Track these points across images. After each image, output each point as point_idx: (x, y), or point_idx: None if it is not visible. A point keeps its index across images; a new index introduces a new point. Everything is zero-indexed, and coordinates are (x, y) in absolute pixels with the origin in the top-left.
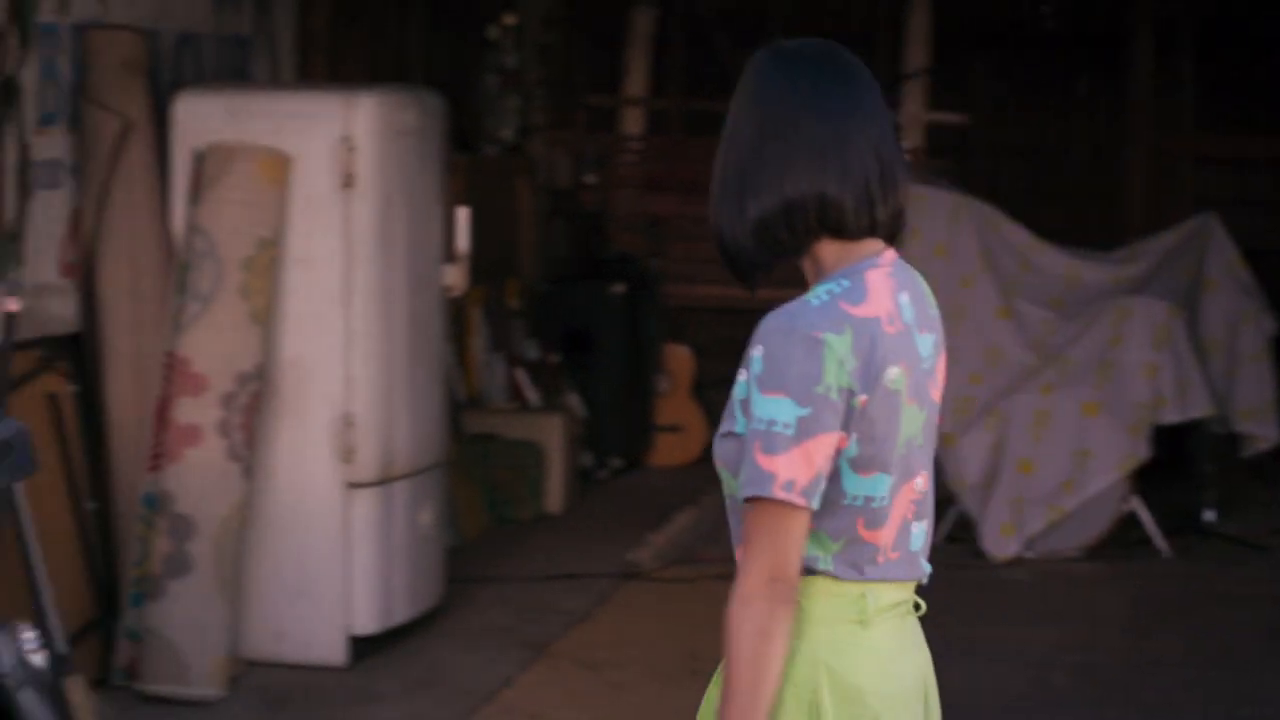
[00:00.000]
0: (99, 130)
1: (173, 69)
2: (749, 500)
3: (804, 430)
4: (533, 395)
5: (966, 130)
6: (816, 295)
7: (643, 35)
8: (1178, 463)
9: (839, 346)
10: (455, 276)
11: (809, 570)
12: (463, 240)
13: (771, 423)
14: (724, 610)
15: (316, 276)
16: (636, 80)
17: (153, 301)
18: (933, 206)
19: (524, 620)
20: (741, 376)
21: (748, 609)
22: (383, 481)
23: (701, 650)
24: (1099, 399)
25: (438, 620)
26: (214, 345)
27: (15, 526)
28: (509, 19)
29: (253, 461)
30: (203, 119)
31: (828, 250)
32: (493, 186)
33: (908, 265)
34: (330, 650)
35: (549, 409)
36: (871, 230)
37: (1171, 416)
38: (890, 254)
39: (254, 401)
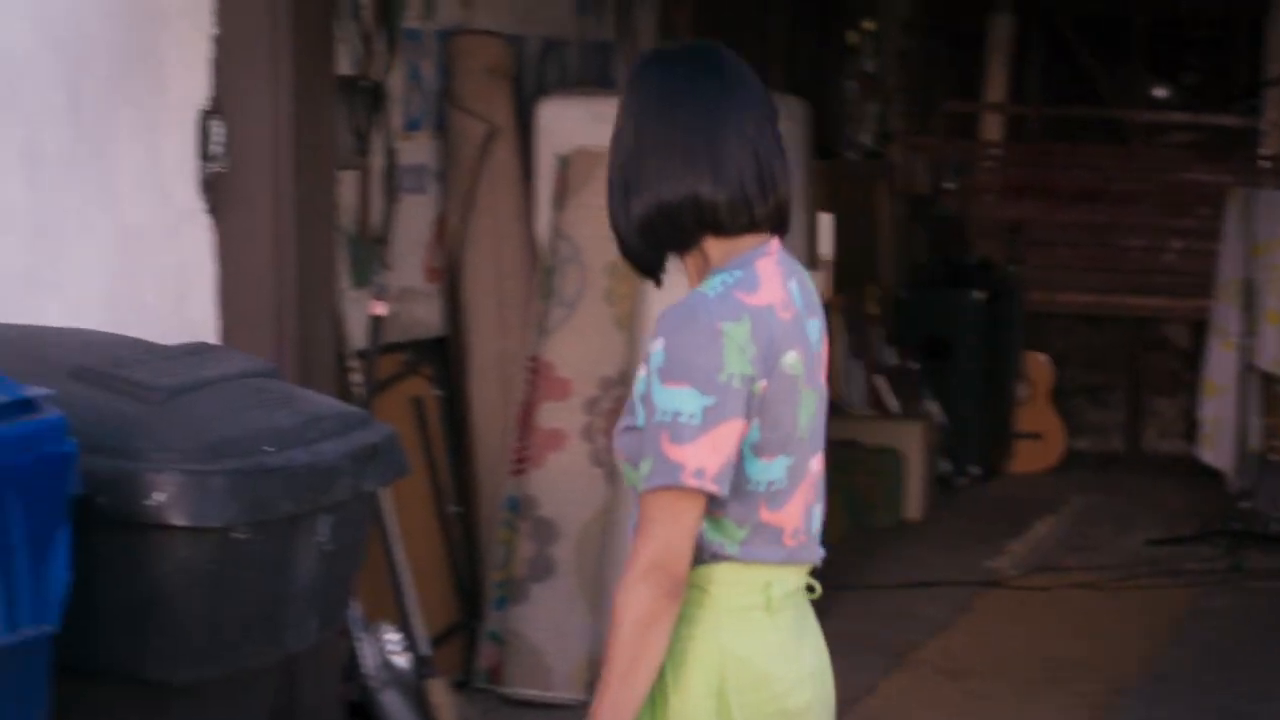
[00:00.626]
0: (464, 135)
1: (536, 74)
2: (651, 490)
3: (710, 419)
4: (892, 402)
5: None
6: (711, 287)
7: (1002, 41)
8: None
9: (738, 335)
10: (819, 282)
11: (714, 557)
12: (826, 246)
13: (677, 414)
14: (1084, 620)
15: (681, 282)
16: (996, 86)
17: (517, 306)
18: None
19: (885, 627)
20: (641, 371)
21: (629, 596)
22: None
23: (1062, 659)
24: None
25: None
26: (578, 350)
27: (380, 530)
28: (868, 24)
29: (616, 467)
30: (566, 124)
31: (713, 246)
32: (852, 192)
33: (790, 255)
34: None
35: (908, 416)
36: (752, 226)
37: None
38: (775, 243)
39: (618, 407)
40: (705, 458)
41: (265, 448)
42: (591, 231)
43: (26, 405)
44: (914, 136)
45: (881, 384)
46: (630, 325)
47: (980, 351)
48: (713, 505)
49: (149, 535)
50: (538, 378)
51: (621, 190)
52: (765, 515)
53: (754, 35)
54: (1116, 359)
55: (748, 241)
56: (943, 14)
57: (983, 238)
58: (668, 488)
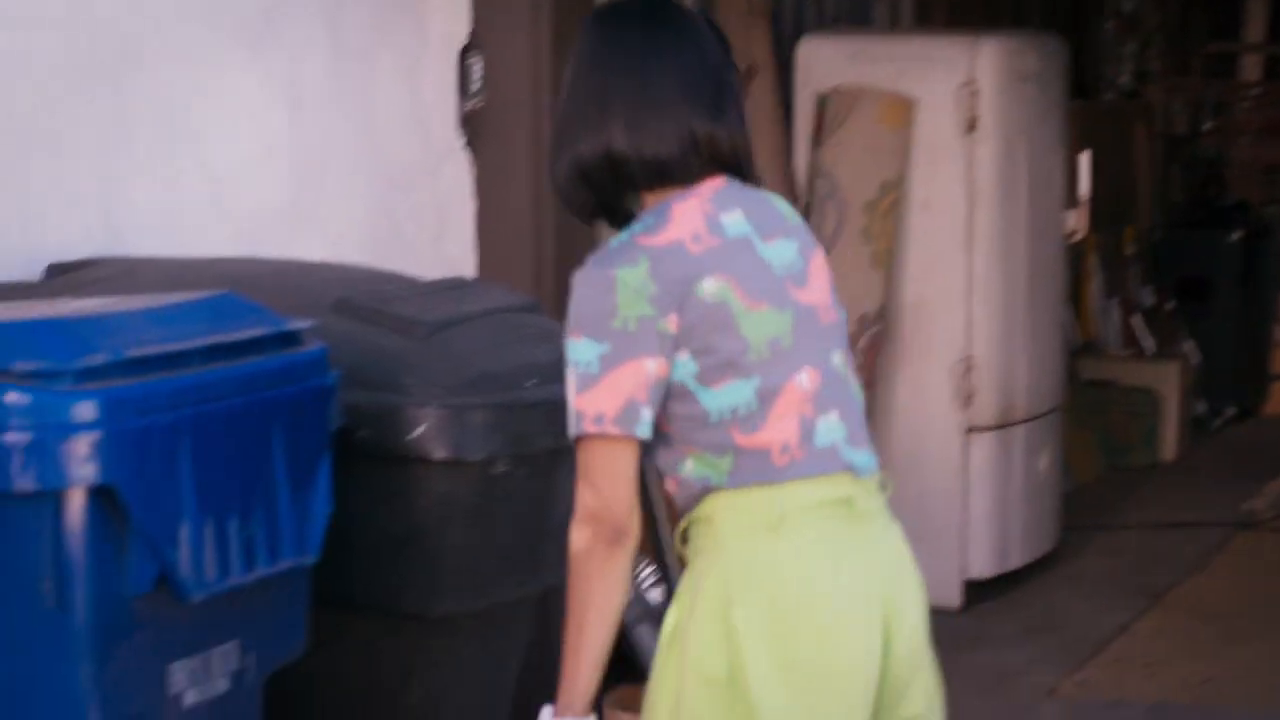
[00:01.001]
0: None
1: (795, 13)
2: (574, 441)
3: (606, 365)
4: (1148, 342)
5: None
6: (618, 237)
7: None
8: None
9: (632, 278)
10: (1076, 221)
11: (707, 490)
12: (1084, 185)
13: (578, 364)
14: None
15: (938, 220)
16: (1255, 27)
17: None
18: None
19: (1138, 568)
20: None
21: (573, 549)
22: (1001, 425)
23: None
24: None
25: (1052, 566)
26: (837, 287)
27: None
28: None
29: (873, 404)
30: (824, 62)
31: (648, 197)
32: (1109, 133)
33: (748, 188)
34: (945, 593)
35: (1164, 356)
36: (687, 175)
37: None
38: (713, 182)
39: (875, 344)
40: (604, 403)
41: (526, 382)
42: (850, 169)
43: (289, 338)
44: (1172, 77)
45: (1137, 324)
46: (887, 263)
47: (1237, 292)
48: (689, 443)
49: (410, 469)
50: None
51: (555, 143)
52: (741, 440)
53: None
54: None
55: (679, 188)
56: None
57: (1240, 179)
58: (579, 438)
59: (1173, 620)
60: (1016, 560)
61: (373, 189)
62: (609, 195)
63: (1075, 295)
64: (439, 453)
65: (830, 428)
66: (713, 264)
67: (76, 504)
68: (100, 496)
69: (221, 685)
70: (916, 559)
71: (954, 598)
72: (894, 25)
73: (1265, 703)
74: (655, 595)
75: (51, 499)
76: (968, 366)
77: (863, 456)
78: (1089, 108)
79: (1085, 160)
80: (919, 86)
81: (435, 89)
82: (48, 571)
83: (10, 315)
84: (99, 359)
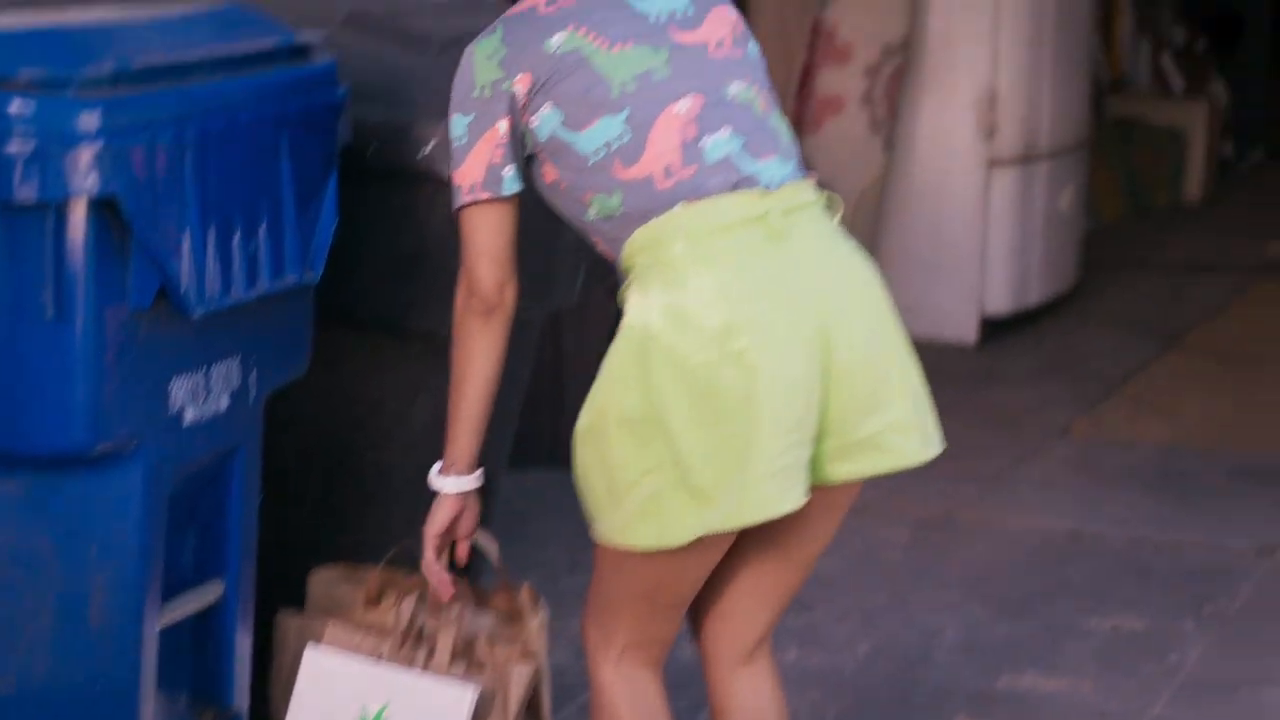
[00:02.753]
0: None
1: None
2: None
3: (473, 134)
4: (1177, 81)
5: None
6: None
7: None
8: None
9: (486, 47)
10: None
11: (612, 239)
12: None
13: (453, 140)
14: None
15: None
16: None
17: None
18: None
19: (1157, 309)
20: None
21: (454, 315)
22: (1024, 160)
23: None
24: None
25: (1071, 304)
26: (861, 15)
27: None
28: None
29: (894, 134)
30: None
31: None
32: None
33: None
34: (962, 328)
35: (1193, 96)
36: None
37: None
38: None
39: (898, 73)
40: (473, 172)
41: None
42: None
43: (298, 51)
44: None
45: (1167, 62)
46: None
47: (1270, 33)
48: (584, 189)
49: (419, 187)
50: (818, 41)
51: None
52: (622, 173)
53: None
54: None
55: None
56: None
57: None
58: (457, 210)
59: (1190, 362)
60: (1035, 298)
61: None
62: None
63: (1105, 30)
64: (448, 171)
65: (720, 143)
66: (563, 20)
67: (78, 215)
68: (102, 208)
69: (223, 403)
70: (932, 293)
71: (970, 334)
72: None
73: (1278, 445)
74: None
75: (53, 210)
76: (992, 99)
77: (770, 166)
78: None
79: None
80: None
81: None
82: (49, 283)
83: (14, 23)
84: (104, 68)
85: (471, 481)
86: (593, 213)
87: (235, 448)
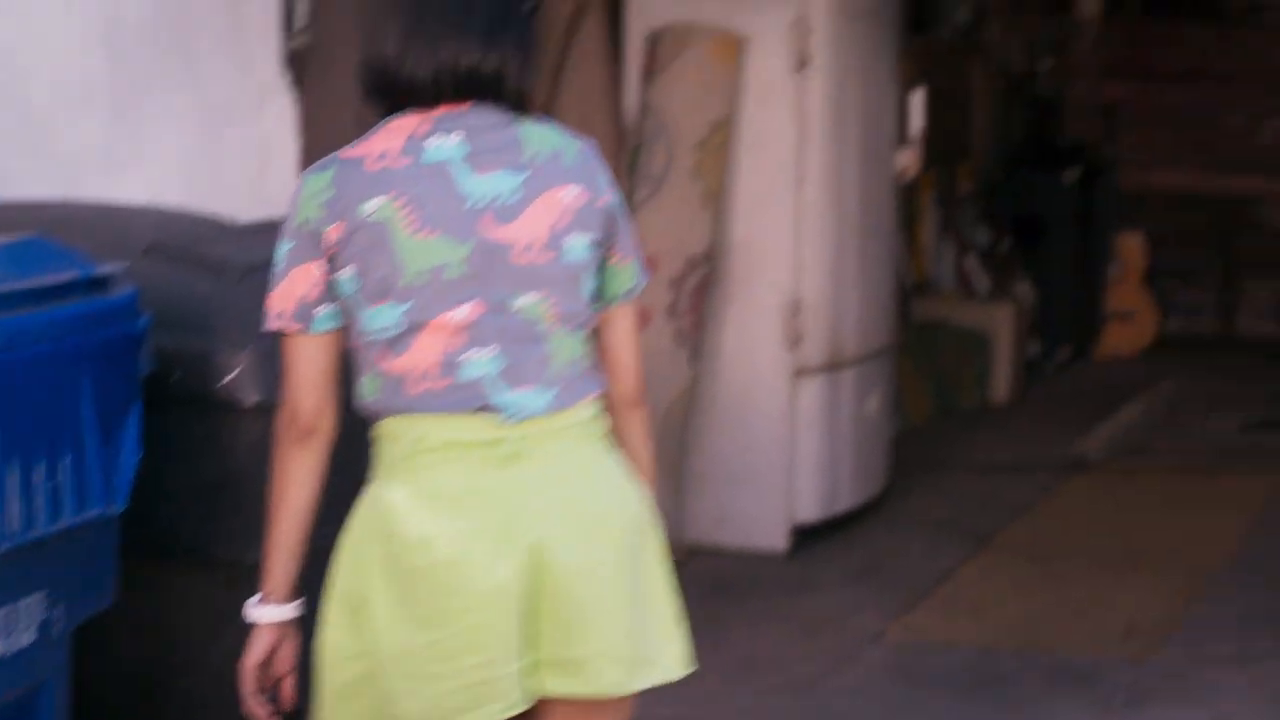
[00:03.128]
0: (554, 10)
1: None
2: None
3: (288, 263)
4: (982, 282)
5: None
6: None
7: None
8: None
9: (315, 183)
10: (908, 160)
11: (373, 412)
12: (916, 123)
13: (274, 263)
14: (1172, 504)
15: (768, 159)
16: None
17: None
18: None
19: (967, 510)
20: None
21: (274, 443)
22: (830, 368)
23: (1148, 543)
24: None
25: (880, 509)
26: (664, 227)
27: None
28: None
29: (700, 345)
30: (657, 0)
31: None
32: (946, 71)
33: (504, 116)
34: (772, 537)
35: (998, 297)
36: (434, 99)
37: None
38: (456, 106)
39: (703, 284)
40: (283, 301)
41: None
42: (680, 108)
43: (99, 282)
44: (1010, 15)
45: (972, 264)
46: (717, 202)
47: (1073, 232)
48: (362, 360)
49: (222, 414)
50: None
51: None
52: (384, 364)
53: None
54: (1210, 240)
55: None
56: None
57: (1078, 117)
58: (272, 334)
59: (1001, 563)
60: (845, 504)
61: (193, 128)
62: (393, 110)
63: (909, 235)
64: (251, 398)
65: (479, 363)
66: (386, 184)
67: None
68: None
69: (28, 637)
70: (743, 502)
71: (781, 542)
72: None
73: (1092, 645)
74: None
75: None
76: (796, 308)
77: (523, 397)
78: (926, 46)
79: (918, 98)
80: (750, 23)
81: (259, 26)
82: None
83: None
84: None
85: (289, 611)
86: (363, 382)
87: (42, 683)
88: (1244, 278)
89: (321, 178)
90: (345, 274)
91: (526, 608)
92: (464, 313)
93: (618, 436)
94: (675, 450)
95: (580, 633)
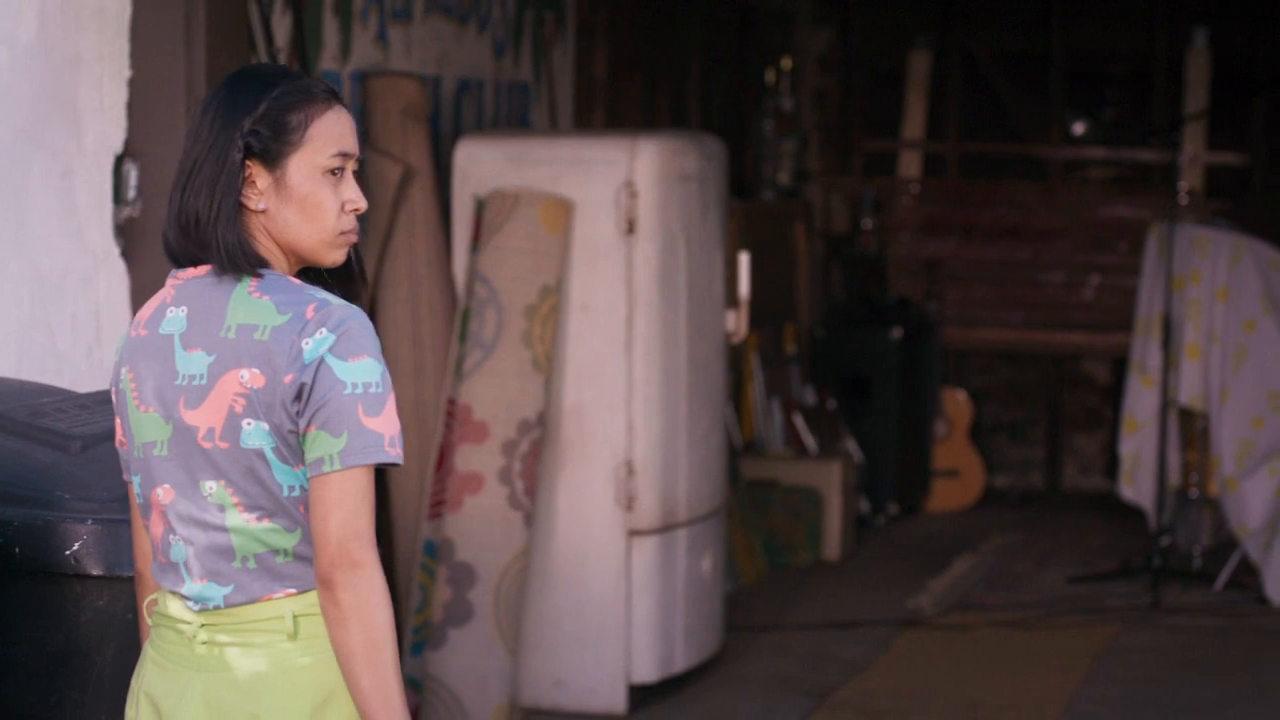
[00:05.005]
0: (381, 178)
1: (453, 116)
2: None
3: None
4: (810, 441)
5: (1246, 171)
6: None
7: (920, 77)
8: None
9: (121, 341)
10: (736, 322)
11: None
12: (744, 285)
13: None
14: (1005, 658)
15: (598, 323)
16: (914, 123)
17: (434, 349)
18: (1214, 249)
19: (803, 668)
20: None
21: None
22: (664, 529)
23: (983, 698)
24: None
25: (717, 668)
26: (496, 393)
27: None
28: (786, 63)
29: (533, 510)
30: (484, 165)
31: None
32: (770, 232)
33: (219, 285)
34: (610, 698)
35: (826, 455)
36: (180, 259)
37: None
38: (196, 271)
39: (535, 449)
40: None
41: None
42: (509, 273)
43: None
44: (832, 175)
45: (799, 423)
46: (548, 368)
47: (898, 390)
48: None
49: (66, 585)
50: (455, 421)
51: None
52: (142, 529)
53: (671, 75)
54: (1036, 396)
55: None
56: (860, 51)
57: (901, 275)
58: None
59: None
60: (681, 664)
61: (25, 299)
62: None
63: (737, 395)
64: (95, 568)
65: (179, 547)
66: (130, 354)
67: None
68: None
69: None
70: (579, 664)
71: (619, 703)
72: (553, 127)
73: None
74: None
75: None
76: (629, 470)
77: (201, 589)
78: (749, 207)
79: (745, 260)
80: (578, 188)
81: (91, 197)
82: None
83: None
84: None
85: None
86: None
87: None
88: (1070, 432)
89: (121, 337)
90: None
91: None
92: (164, 493)
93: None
94: (511, 614)
95: None
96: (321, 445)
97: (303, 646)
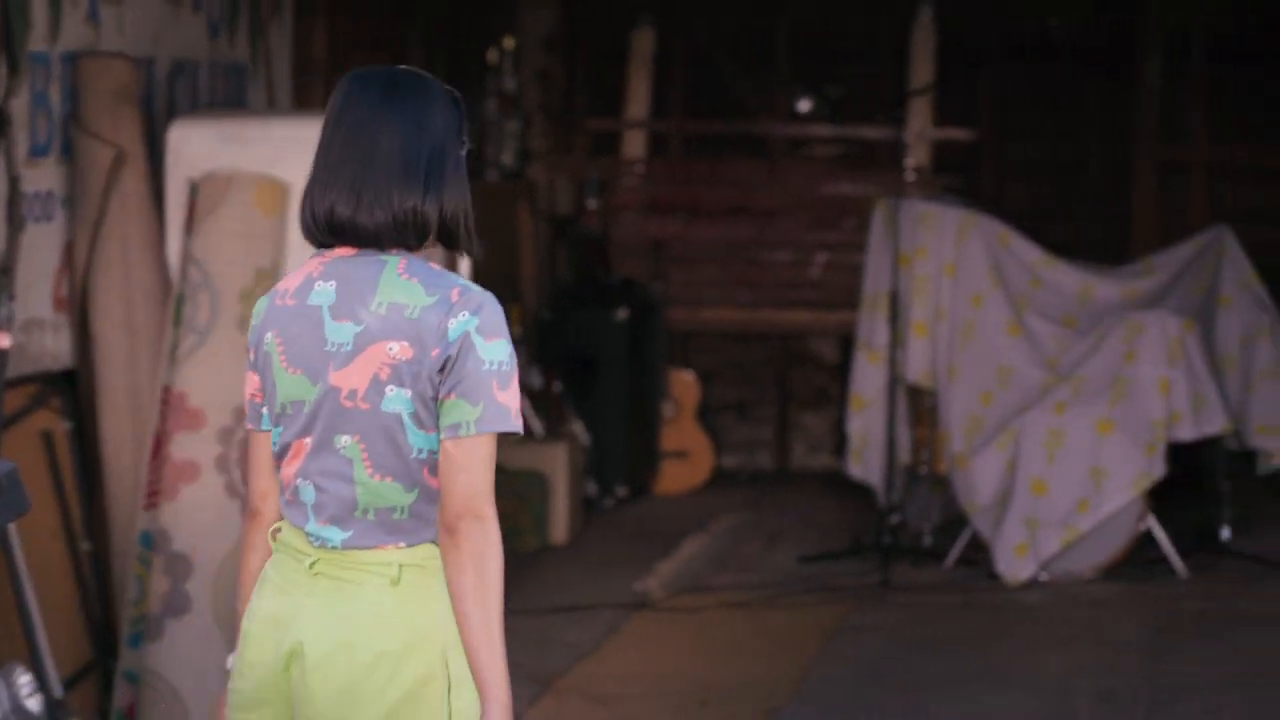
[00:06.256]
0: (92, 161)
1: (167, 97)
2: None
3: (248, 365)
4: (536, 424)
5: (974, 146)
6: None
7: (643, 57)
8: (1193, 481)
9: (257, 306)
10: None
11: None
12: (465, 269)
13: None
14: (736, 639)
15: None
16: (638, 103)
17: (148, 335)
18: (941, 224)
19: (529, 654)
20: None
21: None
22: None
23: (714, 680)
24: (1113, 417)
25: None
26: (212, 379)
27: (9, 567)
28: (508, 42)
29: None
30: (197, 147)
31: None
32: (494, 213)
33: (370, 265)
34: None
35: (552, 438)
36: (317, 242)
37: (1186, 433)
38: (342, 250)
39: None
40: (247, 400)
41: None
42: (223, 257)
43: None
44: (555, 156)
45: (525, 406)
46: None
47: (624, 371)
48: None
49: None
50: (170, 408)
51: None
52: (280, 471)
53: (390, 56)
54: (764, 375)
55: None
56: (584, 30)
57: (627, 256)
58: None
59: (565, 706)
60: None
61: None
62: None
63: None
64: None
65: (307, 491)
66: (277, 320)
67: None
68: None
69: None
70: None
71: None
72: (271, 108)
73: None
74: (34, 704)
75: None
76: None
77: (323, 530)
78: (472, 189)
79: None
80: (295, 170)
81: None
82: None
83: None
84: None
85: None
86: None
87: None
88: (798, 411)
89: (261, 302)
90: (259, 398)
91: (290, 696)
92: (307, 443)
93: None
94: (229, 605)
95: None
96: (460, 412)
97: (402, 593)
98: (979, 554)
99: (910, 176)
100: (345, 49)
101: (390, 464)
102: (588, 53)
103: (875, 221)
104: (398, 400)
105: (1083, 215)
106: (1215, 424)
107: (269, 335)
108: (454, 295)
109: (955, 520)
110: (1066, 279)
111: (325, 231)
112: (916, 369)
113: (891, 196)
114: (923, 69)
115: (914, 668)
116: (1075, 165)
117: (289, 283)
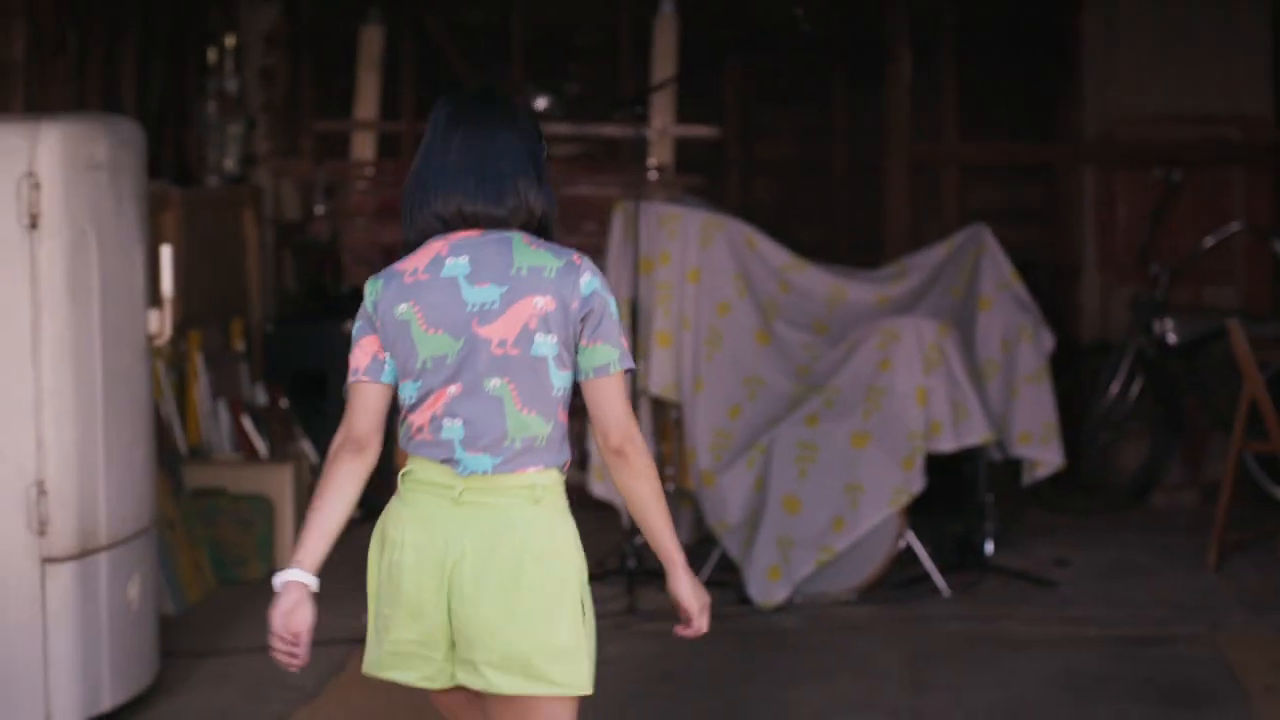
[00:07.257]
0: None
1: None
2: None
3: (358, 335)
4: (261, 444)
5: (718, 144)
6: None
7: (372, 55)
8: (955, 493)
9: (373, 284)
10: (159, 323)
11: (403, 449)
12: (167, 282)
13: (352, 339)
14: None
15: (3, 329)
16: (367, 103)
17: None
18: (683, 228)
19: (246, 698)
20: None
21: (330, 454)
22: (82, 554)
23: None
24: (868, 429)
25: (150, 704)
26: None
27: None
28: (229, 40)
29: None
30: None
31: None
32: (215, 221)
33: (496, 240)
34: None
35: (279, 459)
36: (443, 232)
37: (946, 444)
38: (466, 233)
39: None
40: (357, 360)
41: None
42: None
43: None
44: (281, 159)
45: (248, 425)
46: None
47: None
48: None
49: None
50: None
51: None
52: (409, 417)
53: (102, 57)
54: None
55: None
56: (309, 26)
57: (358, 265)
58: (347, 386)
59: None
60: (109, 702)
61: None
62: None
63: (180, 399)
64: None
65: (452, 428)
66: (411, 293)
67: None
68: None
69: None
70: None
71: None
72: None
73: None
74: None
75: None
76: (39, 491)
77: (474, 459)
78: (191, 195)
79: (167, 254)
80: None
81: None
82: None
83: None
84: None
85: (309, 580)
86: (400, 427)
87: None
88: None
89: (376, 284)
90: (388, 357)
91: (448, 612)
92: (453, 389)
93: (611, 477)
94: None
95: (474, 642)
96: (605, 354)
97: (540, 509)
98: (731, 575)
99: (653, 175)
100: (48, 52)
101: (535, 399)
102: (313, 50)
103: (615, 225)
104: (544, 345)
105: (833, 216)
106: (977, 434)
107: (403, 305)
108: (575, 259)
109: (706, 539)
110: (816, 283)
111: (456, 222)
112: (660, 381)
113: (631, 199)
114: (664, 63)
115: (657, 700)
116: (824, 163)
117: (414, 262)
